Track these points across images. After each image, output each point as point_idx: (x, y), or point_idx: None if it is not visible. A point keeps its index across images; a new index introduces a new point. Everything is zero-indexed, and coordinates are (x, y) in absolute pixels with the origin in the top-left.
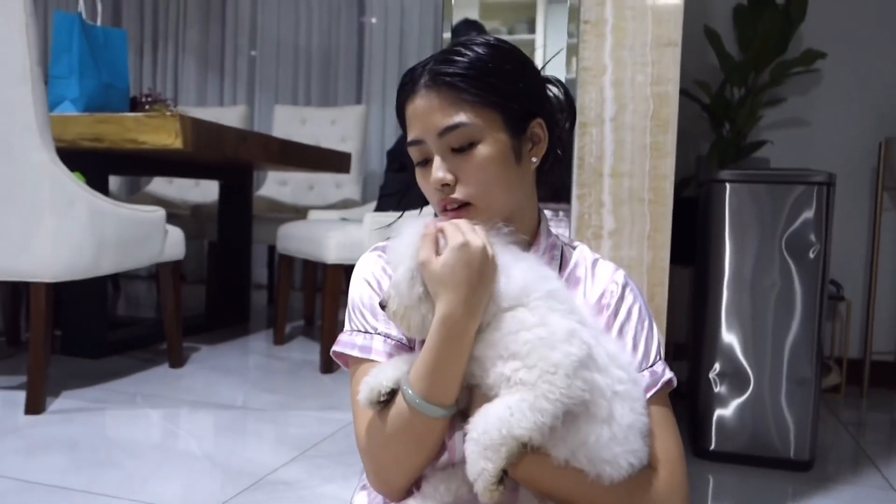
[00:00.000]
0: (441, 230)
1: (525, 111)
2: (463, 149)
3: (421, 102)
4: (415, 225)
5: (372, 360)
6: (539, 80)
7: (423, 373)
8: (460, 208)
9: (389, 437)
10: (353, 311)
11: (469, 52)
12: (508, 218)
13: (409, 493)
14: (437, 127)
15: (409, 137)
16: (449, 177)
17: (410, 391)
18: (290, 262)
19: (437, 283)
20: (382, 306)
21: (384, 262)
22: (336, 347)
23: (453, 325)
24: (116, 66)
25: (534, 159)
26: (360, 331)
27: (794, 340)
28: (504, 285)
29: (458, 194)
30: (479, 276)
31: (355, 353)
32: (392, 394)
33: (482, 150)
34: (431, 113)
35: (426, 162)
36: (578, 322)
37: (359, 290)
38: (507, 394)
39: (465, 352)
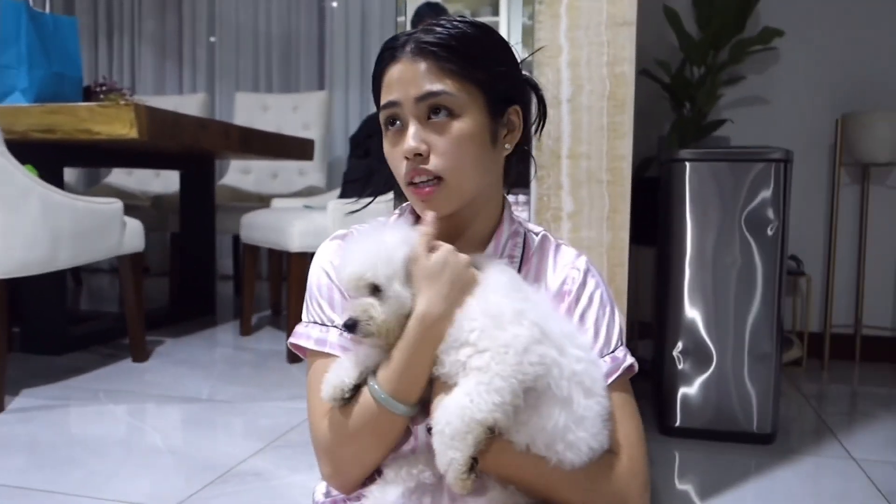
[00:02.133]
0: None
1: (505, 95)
2: (440, 119)
3: (404, 67)
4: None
5: (328, 354)
6: (518, 69)
7: (395, 370)
8: (430, 184)
9: (352, 433)
10: (311, 301)
11: (457, 28)
12: (475, 201)
13: (370, 480)
14: (419, 91)
15: (384, 100)
16: (423, 147)
17: (378, 387)
18: (254, 251)
19: (425, 278)
20: (349, 327)
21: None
22: (292, 339)
23: (431, 324)
24: (68, 55)
25: (507, 146)
26: (316, 322)
27: (756, 316)
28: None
29: (431, 166)
30: (461, 281)
31: (311, 345)
32: (355, 389)
33: (460, 125)
34: (414, 78)
35: (394, 122)
36: (524, 300)
37: (317, 280)
38: (464, 381)
39: (434, 351)
